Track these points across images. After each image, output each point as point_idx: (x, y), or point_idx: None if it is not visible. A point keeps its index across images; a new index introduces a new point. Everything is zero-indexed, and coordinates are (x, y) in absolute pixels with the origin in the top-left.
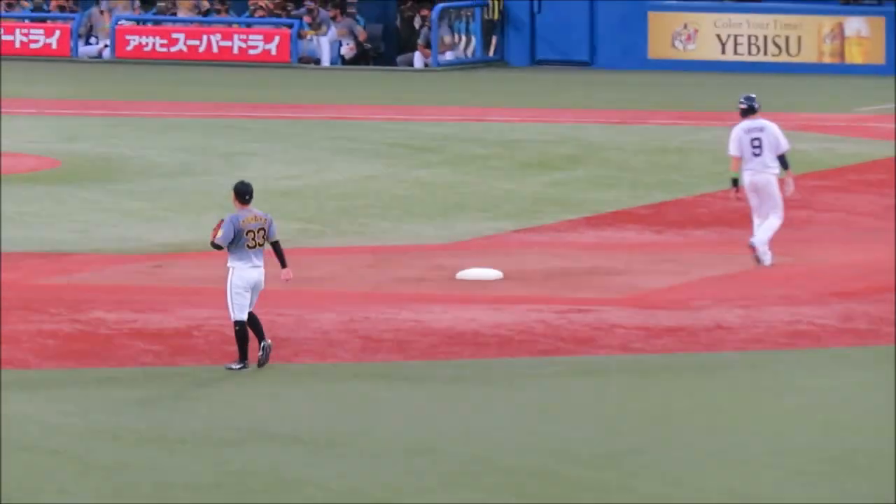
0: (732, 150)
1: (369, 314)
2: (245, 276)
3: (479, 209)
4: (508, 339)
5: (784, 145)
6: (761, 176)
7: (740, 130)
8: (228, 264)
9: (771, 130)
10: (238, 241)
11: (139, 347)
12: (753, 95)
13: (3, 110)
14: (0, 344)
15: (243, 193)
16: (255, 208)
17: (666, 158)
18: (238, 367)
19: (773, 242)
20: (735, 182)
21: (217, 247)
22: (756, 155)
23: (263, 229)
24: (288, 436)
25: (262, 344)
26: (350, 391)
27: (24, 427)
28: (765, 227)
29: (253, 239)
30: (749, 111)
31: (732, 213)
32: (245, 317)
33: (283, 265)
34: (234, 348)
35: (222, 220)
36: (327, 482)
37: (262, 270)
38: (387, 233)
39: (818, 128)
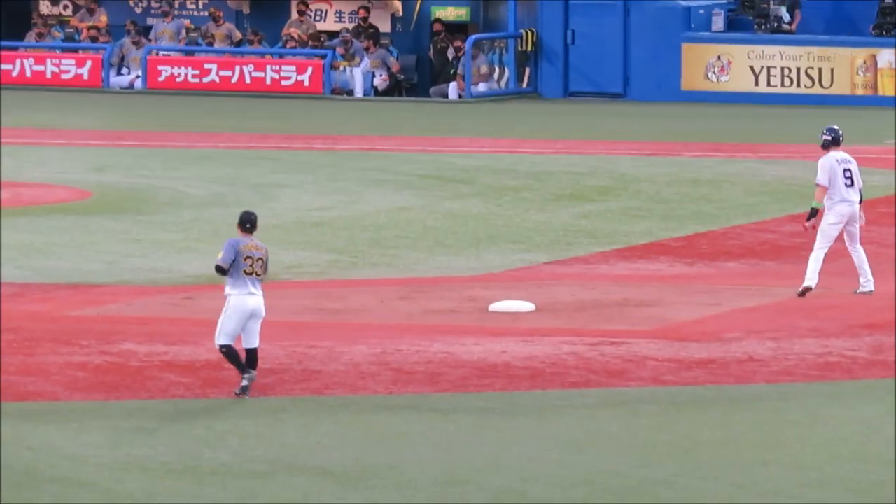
0: (824, 179)
1: (401, 346)
2: (241, 303)
3: (511, 241)
4: (540, 371)
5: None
6: (856, 207)
7: (833, 161)
8: (226, 292)
9: (855, 162)
10: (237, 266)
11: (170, 380)
12: (837, 127)
13: (34, 141)
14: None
15: (245, 222)
16: (257, 239)
17: (698, 190)
18: (244, 384)
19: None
20: (815, 212)
21: (220, 269)
22: (849, 186)
23: (262, 259)
24: (318, 468)
25: (239, 391)
26: (381, 423)
27: (53, 459)
28: (866, 267)
29: (251, 266)
30: (835, 142)
31: (764, 244)
32: (230, 341)
33: None
34: (267, 380)
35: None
36: None
37: (259, 298)
38: (418, 264)
39: None
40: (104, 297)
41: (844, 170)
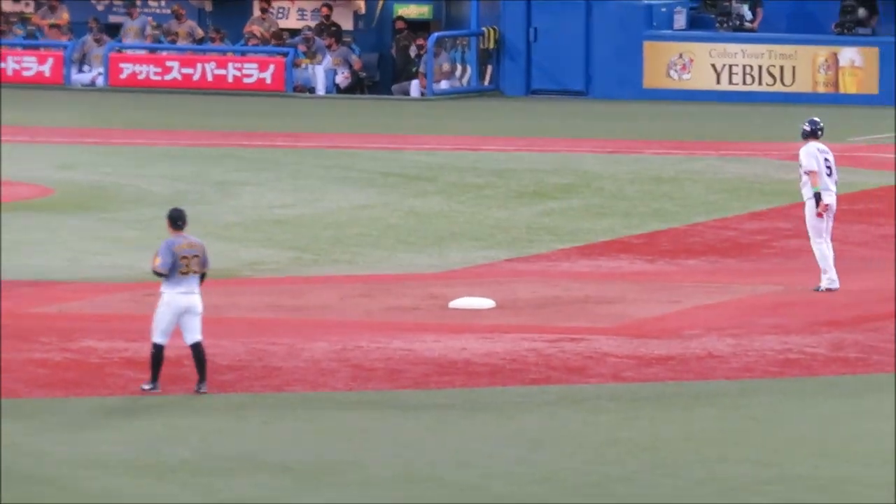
0: (813, 164)
1: (361, 343)
2: (174, 301)
3: (473, 238)
4: (500, 367)
5: None
6: (835, 197)
7: (815, 150)
8: (160, 289)
9: (832, 154)
10: (174, 267)
11: (130, 376)
12: (818, 119)
13: None
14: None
15: (176, 219)
16: (191, 235)
17: (660, 188)
18: (148, 387)
19: (768, 273)
20: (819, 196)
21: (160, 274)
22: (829, 175)
23: (198, 256)
24: (279, 465)
25: (198, 388)
26: (341, 420)
27: (15, 456)
28: (830, 262)
29: (187, 265)
30: (813, 134)
31: (725, 241)
32: (164, 341)
33: None
34: (224, 377)
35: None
36: None
37: (194, 297)
38: (380, 262)
39: None
40: (65, 295)
41: (825, 159)
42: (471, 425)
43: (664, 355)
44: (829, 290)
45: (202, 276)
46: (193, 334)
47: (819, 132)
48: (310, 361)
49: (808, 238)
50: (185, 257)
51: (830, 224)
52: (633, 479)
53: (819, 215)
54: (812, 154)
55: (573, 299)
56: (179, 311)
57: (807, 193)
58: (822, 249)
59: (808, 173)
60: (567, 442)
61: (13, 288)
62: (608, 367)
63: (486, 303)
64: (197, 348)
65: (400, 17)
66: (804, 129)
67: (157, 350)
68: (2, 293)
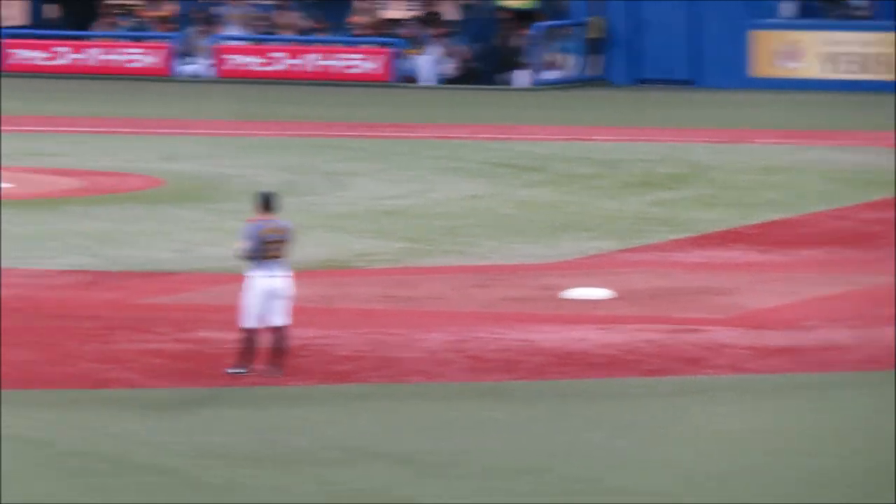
0: None
1: (477, 334)
2: (259, 284)
3: (583, 229)
4: (617, 358)
5: None
6: None
7: None
8: (248, 273)
9: None
10: (257, 250)
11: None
12: None
13: (104, 129)
14: None
15: (267, 202)
16: (279, 219)
17: (771, 178)
18: (233, 371)
19: (886, 262)
20: None
21: (244, 257)
22: None
23: (284, 240)
24: (397, 455)
25: (274, 372)
26: (458, 411)
27: (133, 446)
28: None
29: (273, 249)
30: None
31: (840, 231)
32: (251, 325)
33: None
34: (341, 367)
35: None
36: (437, 502)
37: (280, 280)
38: (492, 252)
39: None
40: (176, 285)
41: None
42: (588, 416)
43: (783, 346)
44: None
45: None
46: (278, 318)
47: None
48: (426, 352)
49: None
50: (270, 241)
51: None
52: (754, 470)
53: None
54: None
55: (688, 290)
56: (264, 294)
57: None
58: None
59: None
60: (686, 433)
61: (125, 279)
62: (726, 357)
63: (602, 293)
64: (280, 332)
65: (504, 7)
66: None
67: (245, 334)
68: (1, 282)
